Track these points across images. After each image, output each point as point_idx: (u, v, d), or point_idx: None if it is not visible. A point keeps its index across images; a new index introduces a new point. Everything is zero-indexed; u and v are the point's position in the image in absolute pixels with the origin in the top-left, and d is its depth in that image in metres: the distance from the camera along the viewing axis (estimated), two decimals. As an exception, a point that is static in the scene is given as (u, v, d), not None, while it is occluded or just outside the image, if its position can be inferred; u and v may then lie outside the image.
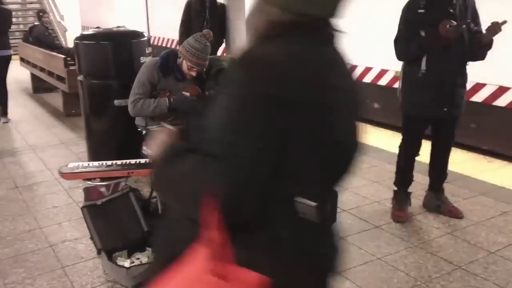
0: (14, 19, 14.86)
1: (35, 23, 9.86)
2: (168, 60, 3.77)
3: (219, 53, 7.16)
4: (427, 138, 3.92)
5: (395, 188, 3.98)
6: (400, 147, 3.92)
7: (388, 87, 6.96)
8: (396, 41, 3.68)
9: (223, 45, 7.16)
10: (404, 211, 3.88)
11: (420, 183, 4.31)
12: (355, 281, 3.04)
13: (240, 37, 6.65)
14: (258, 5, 1.27)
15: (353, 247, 3.45)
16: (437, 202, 3.95)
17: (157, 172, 1.27)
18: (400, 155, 3.94)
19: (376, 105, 8.96)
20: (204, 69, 3.90)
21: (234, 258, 1.10)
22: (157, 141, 1.29)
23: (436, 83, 3.56)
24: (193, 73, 3.75)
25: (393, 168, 4.05)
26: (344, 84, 1.22)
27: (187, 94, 3.76)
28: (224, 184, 1.09)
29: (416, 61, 3.59)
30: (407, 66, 3.74)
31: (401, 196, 3.92)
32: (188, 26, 6.66)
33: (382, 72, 8.22)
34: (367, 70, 8.75)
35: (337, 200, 1.34)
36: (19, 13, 15.29)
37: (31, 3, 15.40)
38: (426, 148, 3.93)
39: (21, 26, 14.50)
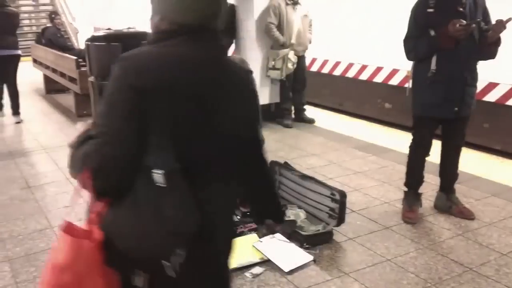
0: (27, 21, 15.08)
1: (47, 25, 9.94)
2: None
3: (229, 53, 7.17)
4: (439, 138, 3.91)
5: (405, 189, 3.95)
6: (410, 147, 3.90)
7: (400, 87, 6.93)
8: (405, 41, 3.66)
9: (233, 45, 7.19)
10: (414, 212, 3.85)
11: (431, 183, 4.29)
12: (364, 283, 3.03)
13: (250, 37, 6.66)
14: (151, 13, 1.57)
15: (362, 248, 3.44)
16: (448, 203, 3.92)
17: (69, 155, 1.54)
18: (410, 155, 3.91)
19: (387, 105, 8.93)
20: None
21: (103, 218, 1.48)
22: (77, 131, 1.59)
23: (446, 83, 3.54)
24: None
25: (403, 168, 4.03)
26: (192, 77, 1.47)
27: None
28: (95, 157, 1.40)
29: (426, 61, 3.57)
30: (416, 66, 3.72)
31: (411, 197, 3.90)
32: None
33: (393, 72, 8.19)
34: (378, 69, 8.72)
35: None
36: (32, 14, 15.43)
37: (43, 5, 15.52)
38: (437, 148, 3.92)
39: (34, 28, 14.63)
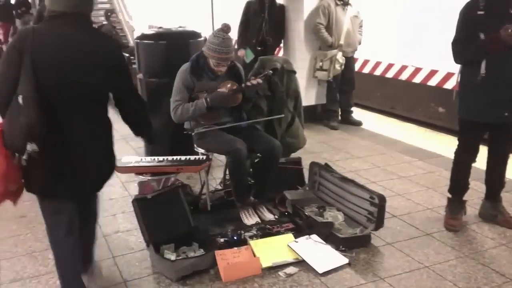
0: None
1: (103, 22, 10.23)
2: (198, 63, 3.81)
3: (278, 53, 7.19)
4: (486, 143, 3.79)
5: (449, 196, 3.85)
6: (456, 152, 3.79)
7: (455, 91, 6.74)
8: (453, 44, 3.56)
9: (281, 45, 7.20)
10: (458, 219, 3.75)
11: (477, 191, 4.16)
12: (399, 288, 2.98)
13: (300, 37, 6.65)
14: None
15: (400, 254, 3.37)
16: (493, 211, 3.80)
17: None
18: (455, 161, 3.81)
19: (441, 109, 8.73)
20: (234, 62, 3.94)
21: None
22: None
23: (495, 87, 3.42)
24: (222, 69, 3.77)
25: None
26: (53, 43, 2.45)
27: (223, 90, 3.76)
28: None
29: (475, 64, 3.46)
30: (465, 69, 3.61)
31: (455, 204, 3.79)
32: (246, 26, 6.74)
33: (448, 75, 7.99)
34: (433, 72, 8.53)
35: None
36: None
37: (101, 3, 15.98)
38: (485, 154, 3.80)
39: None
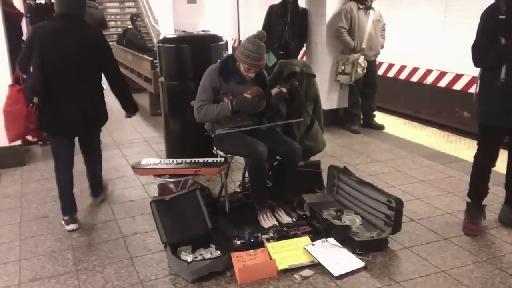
0: (112, 22, 15.80)
1: (129, 26, 10.37)
2: (227, 65, 3.84)
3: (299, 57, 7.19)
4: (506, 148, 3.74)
5: (468, 200, 3.81)
6: (475, 157, 3.75)
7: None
8: (473, 48, 3.52)
9: (304, 49, 7.20)
10: (477, 224, 3.70)
11: (497, 195, 4.12)
12: (414, 293, 2.96)
13: (322, 41, 6.65)
14: None
15: (417, 258, 3.35)
16: (513, 216, 3.75)
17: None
18: (474, 165, 3.76)
19: (466, 114, 8.62)
20: (261, 70, 3.96)
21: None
22: None
23: (515, 92, 3.37)
24: (251, 74, 3.80)
25: (470, 179, 3.88)
26: (60, 32, 3.73)
27: (249, 95, 3.79)
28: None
29: (495, 69, 3.42)
30: (485, 73, 3.57)
31: (474, 208, 3.75)
32: (269, 30, 6.75)
33: (474, 79, 7.88)
34: (458, 77, 8.44)
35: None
36: (118, 16, 16.15)
37: (129, 7, 16.22)
38: (505, 158, 3.76)
39: (119, 29, 15.28)
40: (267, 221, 3.81)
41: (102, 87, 4.09)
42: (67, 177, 4.03)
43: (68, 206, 4.01)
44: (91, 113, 3.95)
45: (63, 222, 4.00)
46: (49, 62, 3.69)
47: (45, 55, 3.68)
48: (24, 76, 3.79)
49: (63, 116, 3.82)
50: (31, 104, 3.70)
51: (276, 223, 3.79)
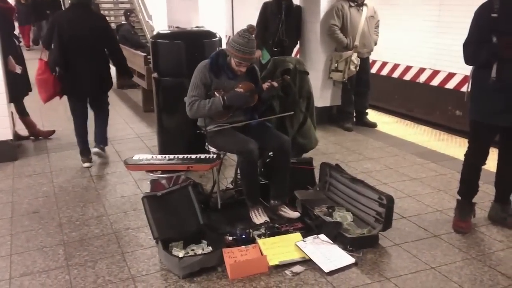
0: (106, 18, 15.82)
1: (122, 22, 10.33)
2: (218, 60, 3.85)
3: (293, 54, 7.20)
4: (496, 146, 3.77)
5: (459, 198, 3.83)
6: (466, 155, 3.77)
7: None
8: (465, 45, 3.53)
9: (297, 46, 7.22)
10: (466, 222, 3.73)
11: (488, 193, 4.15)
12: (404, 289, 2.98)
13: (316, 39, 6.66)
14: None
15: (407, 255, 3.37)
16: (503, 214, 3.77)
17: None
18: (465, 163, 3.79)
19: (458, 112, 8.66)
20: (253, 64, 3.98)
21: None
22: None
23: (507, 91, 3.39)
24: (242, 69, 3.80)
25: (461, 177, 3.91)
26: (74, 18, 4.99)
27: (240, 90, 3.80)
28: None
29: (487, 67, 3.43)
30: (476, 71, 3.60)
31: (464, 206, 3.78)
32: (263, 27, 6.77)
33: (466, 78, 7.91)
34: (450, 75, 8.48)
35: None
36: (112, 12, 16.08)
37: (122, 3, 16.15)
38: (495, 157, 3.78)
39: (113, 25, 15.20)
40: (259, 217, 3.82)
41: (108, 60, 5.30)
42: (83, 129, 5.32)
43: (85, 150, 5.36)
44: (99, 81, 5.20)
45: (81, 162, 5.34)
46: (66, 42, 4.94)
47: (63, 36, 4.93)
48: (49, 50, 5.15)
49: (78, 83, 5.05)
50: (54, 73, 5.04)
51: (268, 220, 3.80)
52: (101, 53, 5.15)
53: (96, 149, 5.49)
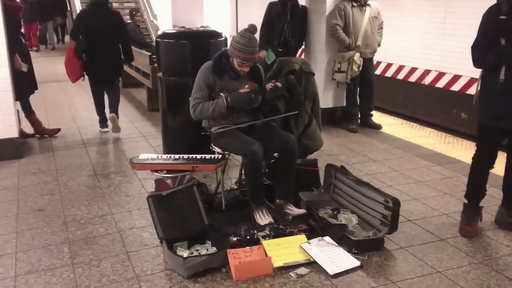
0: (121, 15, 15.83)
1: (128, 21, 10.32)
2: (220, 61, 3.84)
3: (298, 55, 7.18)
4: (504, 150, 3.75)
5: (465, 201, 3.81)
6: (474, 158, 3.75)
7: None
8: (473, 48, 3.52)
9: (302, 47, 7.20)
10: (473, 225, 3.71)
11: (494, 197, 4.13)
12: (410, 292, 2.97)
13: (321, 39, 6.64)
14: None
15: (413, 258, 3.36)
16: (509, 219, 3.75)
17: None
18: (472, 166, 3.77)
19: (463, 115, 8.64)
20: (257, 64, 3.97)
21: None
22: None
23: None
24: (245, 69, 3.79)
25: (467, 180, 3.89)
26: (95, 14, 6.22)
27: (244, 91, 3.78)
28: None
29: (495, 70, 3.42)
30: (485, 74, 3.58)
31: (471, 210, 3.75)
32: (268, 27, 6.75)
33: (472, 81, 7.89)
34: (456, 78, 8.45)
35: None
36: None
37: (127, 2, 16.14)
38: (503, 160, 3.77)
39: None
40: (263, 218, 3.81)
41: (120, 49, 6.46)
42: (101, 104, 6.62)
43: (103, 119, 6.67)
44: (114, 66, 6.46)
45: (99, 128, 6.67)
46: (90, 34, 6.18)
47: (87, 29, 6.18)
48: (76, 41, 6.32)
49: (98, 67, 6.26)
50: (80, 59, 6.24)
51: (272, 221, 3.79)
52: (116, 44, 6.36)
53: (112, 114, 6.54)
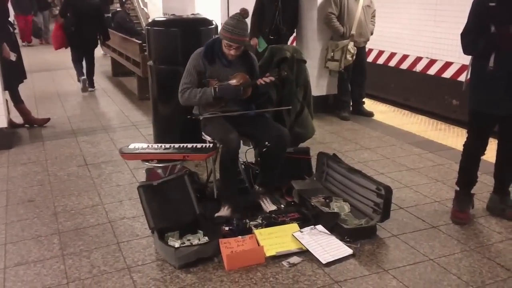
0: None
1: (118, 9, 10.23)
2: (213, 47, 3.79)
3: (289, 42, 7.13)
4: (496, 136, 3.75)
5: (457, 189, 3.81)
6: (465, 145, 3.74)
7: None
8: (463, 35, 3.50)
9: (294, 34, 7.15)
10: (465, 212, 3.71)
11: (486, 184, 4.13)
12: (402, 281, 2.96)
13: (313, 27, 6.60)
14: None
15: (405, 246, 3.35)
16: (501, 205, 3.75)
17: None
18: (464, 153, 3.76)
19: (455, 102, 8.63)
20: (250, 53, 3.95)
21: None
22: None
23: (506, 79, 3.36)
24: (233, 52, 3.72)
25: (459, 167, 3.88)
26: (82, 3, 8.23)
27: (235, 81, 3.74)
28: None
29: (485, 56, 3.40)
30: (475, 60, 3.56)
31: (463, 197, 3.75)
32: (260, 15, 6.69)
33: (464, 67, 7.88)
34: (447, 65, 8.43)
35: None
36: (107, -1, 15.95)
37: (118, -11, 16.02)
38: (494, 147, 3.76)
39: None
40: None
41: (96, 28, 8.46)
42: (79, 65, 8.56)
43: (80, 73, 8.58)
44: (93, 38, 8.49)
45: (79, 82, 8.64)
46: (76, 13, 8.06)
47: (74, 10, 8.07)
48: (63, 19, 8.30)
49: (81, 38, 8.18)
50: (68, 30, 8.16)
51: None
52: (94, 23, 8.24)
53: (84, 77, 8.49)
